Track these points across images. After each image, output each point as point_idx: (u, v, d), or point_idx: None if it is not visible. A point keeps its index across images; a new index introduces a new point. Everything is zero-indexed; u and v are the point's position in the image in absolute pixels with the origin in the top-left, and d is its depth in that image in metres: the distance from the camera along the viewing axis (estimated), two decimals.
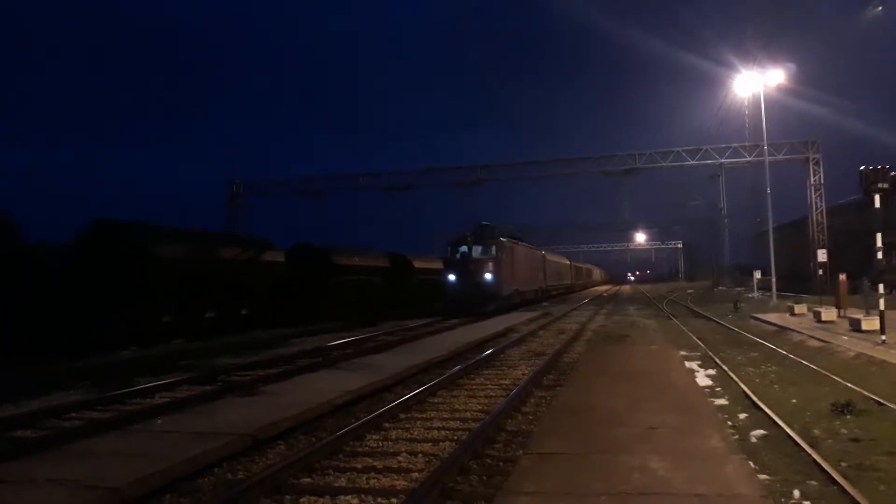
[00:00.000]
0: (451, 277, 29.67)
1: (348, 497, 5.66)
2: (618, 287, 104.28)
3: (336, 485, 6.02)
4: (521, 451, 6.68)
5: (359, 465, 6.57)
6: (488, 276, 29.45)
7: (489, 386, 11.16)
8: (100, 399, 9.81)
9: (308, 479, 6.19)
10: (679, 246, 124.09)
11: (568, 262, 63.89)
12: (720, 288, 58.32)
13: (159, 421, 7.85)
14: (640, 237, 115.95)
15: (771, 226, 33.25)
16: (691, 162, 41.18)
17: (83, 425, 8.35)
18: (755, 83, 34.30)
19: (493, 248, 30.17)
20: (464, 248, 30.24)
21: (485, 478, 6.18)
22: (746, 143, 40.34)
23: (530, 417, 8.70)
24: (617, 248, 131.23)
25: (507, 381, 11.50)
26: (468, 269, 29.50)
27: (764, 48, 34.72)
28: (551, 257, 51.49)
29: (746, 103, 40.37)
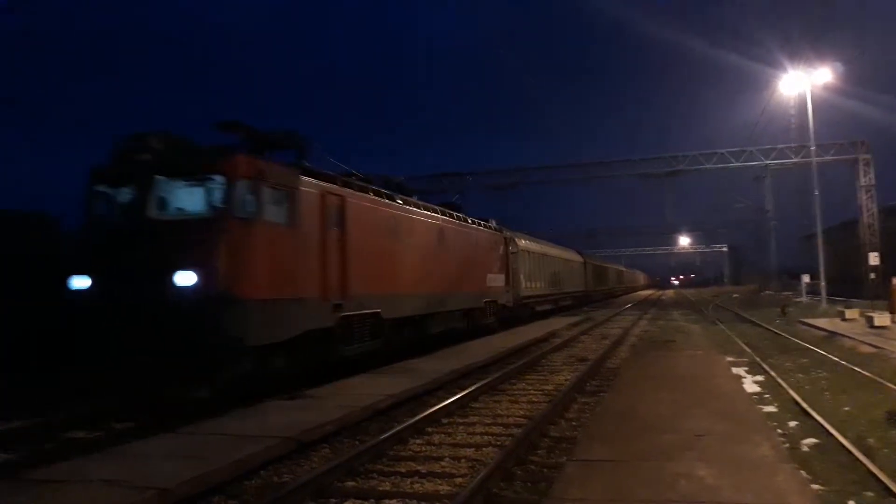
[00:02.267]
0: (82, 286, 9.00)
1: (392, 501, 5.69)
2: (661, 292, 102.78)
3: (380, 489, 6.06)
4: (565, 458, 6.63)
5: (402, 469, 6.59)
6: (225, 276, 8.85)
7: (531, 391, 11.10)
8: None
9: (352, 483, 6.24)
10: (724, 249, 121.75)
11: (581, 261, 46.87)
12: (767, 292, 57.00)
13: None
14: (684, 241, 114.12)
15: (820, 228, 32.38)
16: (735, 163, 40.33)
17: (134, 427, 8.57)
18: (802, 82, 33.45)
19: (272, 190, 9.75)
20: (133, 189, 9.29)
21: (529, 484, 6.15)
22: (792, 144, 39.32)
23: (574, 423, 8.64)
24: (660, 251, 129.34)
25: (549, 387, 11.43)
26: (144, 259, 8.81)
27: (812, 46, 33.91)
28: (558, 254, 39.68)
29: (792, 103, 39.40)
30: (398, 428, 7.86)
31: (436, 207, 17.14)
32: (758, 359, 14.07)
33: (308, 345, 10.42)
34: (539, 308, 30.30)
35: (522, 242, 27.86)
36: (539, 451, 7.31)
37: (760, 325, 23.96)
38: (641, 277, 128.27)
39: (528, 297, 27.98)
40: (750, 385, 11.08)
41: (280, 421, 7.92)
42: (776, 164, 40.13)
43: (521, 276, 26.71)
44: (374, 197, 13.35)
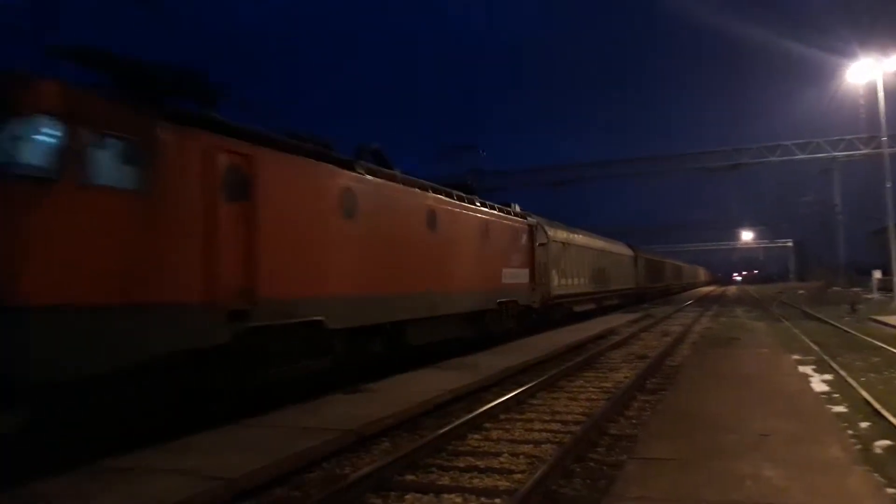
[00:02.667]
0: None
1: (452, 496, 5.71)
2: (723, 288, 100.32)
3: (440, 483, 6.10)
4: (625, 456, 6.55)
5: (461, 464, 6.62)
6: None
7: (590, 388, 10.99)
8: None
9: (412, 477, 6.29)
10: (789, 244, 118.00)
11: (631, 255, 41.24)
12: (834, 288, 54.98)
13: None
14: (747, 235, 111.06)
15: (892, 222, 31.03)
16: (801, 156, 39.12)
17: (198, 419, 8.82)
18: (872, 70, 32.13)
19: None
20: None
21: (589, 482, 6.10)
22: (862, 135, 37.83)
23: (634, 421, 8.52)
24: (722, 247, 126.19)
25: (608, 384, 11.29)
26: None
27: (884, 31, 32.46)
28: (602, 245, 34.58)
29: (862, 92, 37.87)
30: (456, 423, 7.89)
31: (426, 184, 13.53)
32: (826, 357, 13.60)
33: (183, 372, 7.38)
34: (578, 308, 26.34)
35: (554, 232, 23.66)
36: (599, 449, 7.23)
37: (828, 323, 23.14)
38: (702, 273, 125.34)
39: (563, 295, 23.98)
40: (818, 384, 10.72)
41: (341, 414, 8.04)
42: (844, 155, 38.76)
43: (554, 272, 22.77)
44: (315, 162, 9.59)
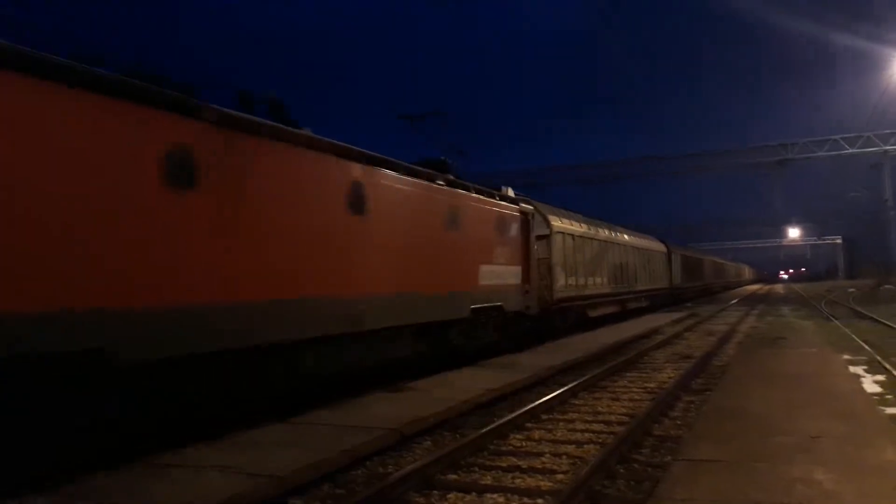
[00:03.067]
0: None
1: (494, 495, 5.71)
2: (769, 286, 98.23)
3: (482, 482, 6.11)
4: (670, 457, 6.48)
5: (503, 464, 6.62)
6: None
7: (633, 389, 10.88)
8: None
9: (454, 476, 6.31)
10: (838, 241, 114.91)
11: (664, 251, 36.23)
12: (887, 287, 53.36)
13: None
14: (794, 232, 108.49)
15: None
16: (850, 150, 38.13)
17: (245, 416, 8.98)
18: None
19: None
20: None
21: (633, 483, 6.04)
22: None
23: (679, 422, 8.41)
24: (768, 244, 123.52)
25: (652, 385, 11.16)
26: None
27: None
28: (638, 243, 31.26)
29: None
30: (498, 423, 7.89)
31: (355, 150, 9.76)
32: (878, 357, 13.21)
33: None
34: (594, 313, 22.47)
35: (559, 222, 19.80)
36: (643, 450, 7.16)
37: (881, 322, 22.47)
38: (747, 271, 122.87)
39: (570, 298, 19.99)
40: (870, 385, 10.42)
41: (384, 412, 8.11)
42: None
43: (559, 269, 19.04)
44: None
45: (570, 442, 7.48)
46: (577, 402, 9.80)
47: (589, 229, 22.96)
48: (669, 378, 11.59)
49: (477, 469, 6.50)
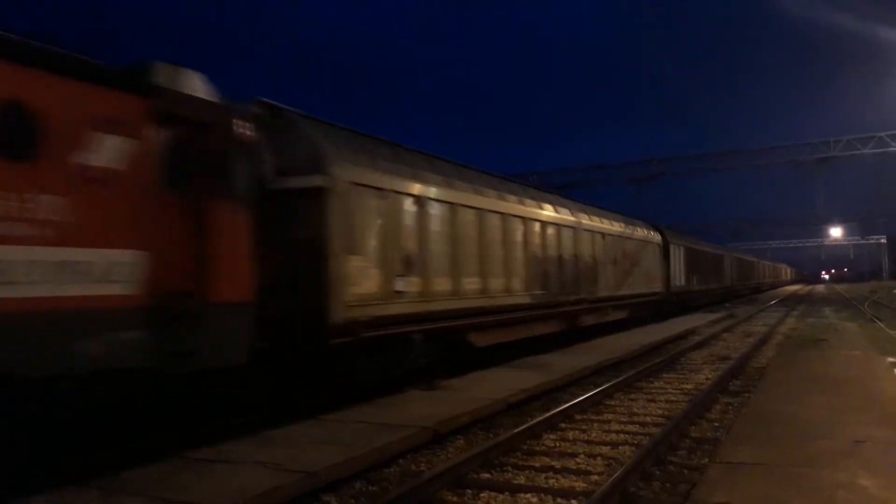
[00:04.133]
0: None
1: (528, 495, 5.67)
2: (810, 287, 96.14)
3: (515, 482, 6.08)
4: (707, 460, 6.37)
5: (537, 464, 6.57)
6: None
7: (669, 390, 10.73)
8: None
9: (487, 475, 6.29)
10: (882, 241, 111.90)
11: (658, 242, 25.42)
12: None
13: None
14: (836, 232, 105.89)
15: None
16: None
17: (280, 413, 9.06)
18: None
19: None
20: None
21: (668, 485, 5.95)
22: None
23: (716, 425, 8.27)
24: (810, 244, 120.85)
25: (688, 386, 11.00)
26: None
27: None
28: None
29: None
30: (531, 422, 7.84)
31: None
32: None
33: None
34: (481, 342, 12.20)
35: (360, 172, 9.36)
36: (679, 452, 7.05)
37: None
38: (786, 271, 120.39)
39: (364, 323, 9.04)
40: None
41: (418, 411, 8.12)
42: None
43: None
44: None
45: (604, 443, 7.41)
46: (612, 402, 9.70)
47: (452, 192, 11.58)
48: (707, 380, 11.41)
49: (510, 469, 6.47)
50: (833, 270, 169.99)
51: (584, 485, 5.93)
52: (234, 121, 7.29)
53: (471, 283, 11.88)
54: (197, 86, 6.96)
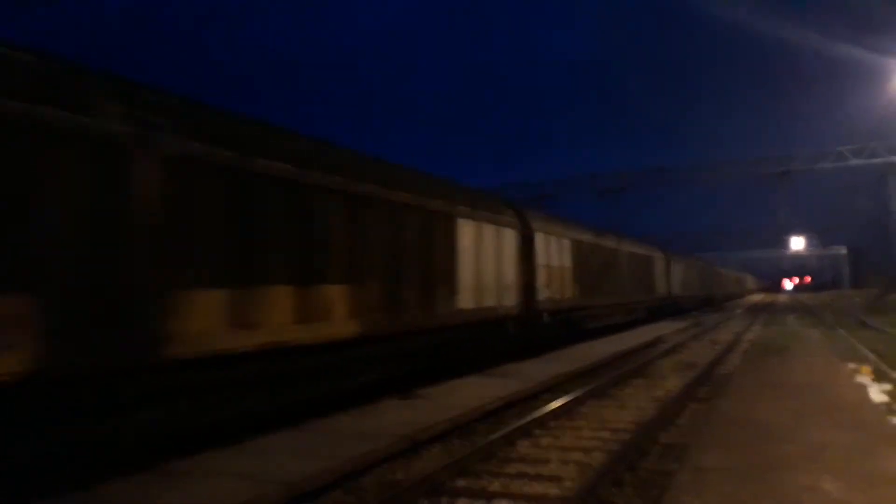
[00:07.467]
0: None
1: (503, 501, 5.77)
2: (773, 296, 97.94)
3: (490, 489, 6.16)
4: (676, 465, 6.52)
5: (512, 471, 6.67)
6: None
7: (640, 397, 10.92)
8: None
9: (463, 482, 6.37)
10: (843, 252, 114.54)
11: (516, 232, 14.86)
12: (892, 296, 53.21)
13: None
14: (799, 243, 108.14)
15: None
16: (856, 161, 37.96)
17: (256, 423, 9.04)
18: None
19: None
20: None
21: (640, 490, 6.09)
22: None
23: (685, 430, 8.46)
24: (771, 254, 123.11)
25: (658, 393, 11.21)
26: None
27: None
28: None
29: None
30: (506, 430, 7.94)
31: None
32: (885, 367, 13.21)
33: None
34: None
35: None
36: (650, 458, 7.21)
37: (886, 331, 22.46)
38: (750, 281, 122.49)
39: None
40: (877, 394, 10.42)
41: (394, 419, 8.17)
42: None
43: None
44: None
45: (577, 449, 7.54)
46: (584, 409, 9.84)
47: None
48: (675, 386, 11.61)
49: (486, 475, 6.56)
50: (796, 280, 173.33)
51: (558, 491, 6.04)
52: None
53: None
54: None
